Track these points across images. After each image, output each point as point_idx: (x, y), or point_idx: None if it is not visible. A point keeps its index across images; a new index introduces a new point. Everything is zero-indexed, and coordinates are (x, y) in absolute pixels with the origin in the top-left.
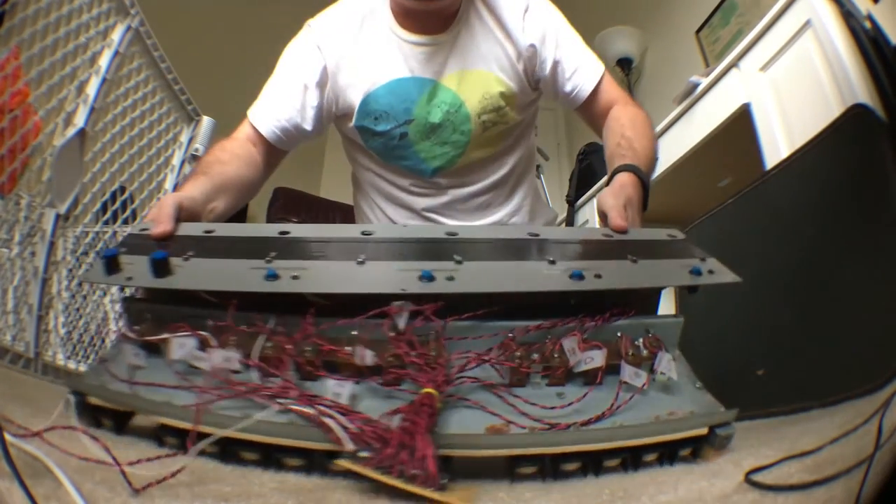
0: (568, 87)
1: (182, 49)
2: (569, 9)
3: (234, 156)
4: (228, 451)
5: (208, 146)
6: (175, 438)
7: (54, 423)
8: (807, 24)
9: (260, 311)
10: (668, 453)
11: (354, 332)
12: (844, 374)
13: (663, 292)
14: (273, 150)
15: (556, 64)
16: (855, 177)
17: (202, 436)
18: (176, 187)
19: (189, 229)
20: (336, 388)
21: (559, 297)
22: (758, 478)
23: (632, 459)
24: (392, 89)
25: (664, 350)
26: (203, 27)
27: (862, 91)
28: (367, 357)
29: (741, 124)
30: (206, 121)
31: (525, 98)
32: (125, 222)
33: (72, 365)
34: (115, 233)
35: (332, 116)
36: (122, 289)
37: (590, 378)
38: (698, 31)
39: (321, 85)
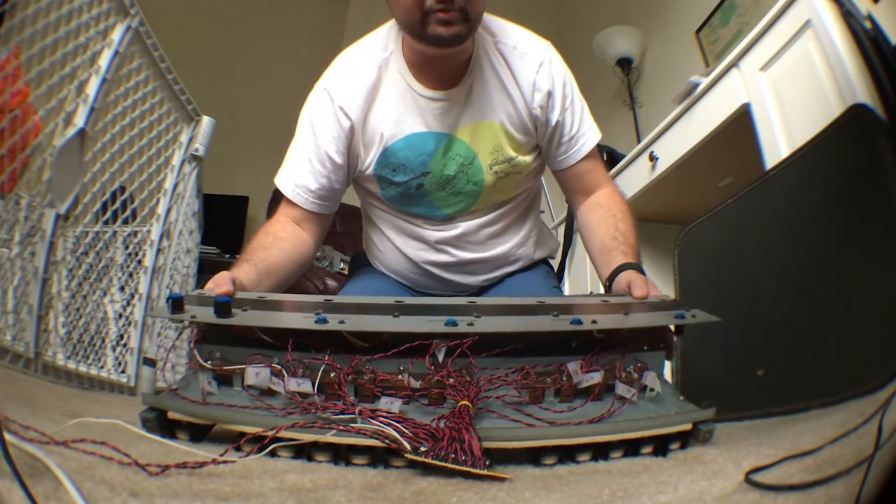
0: (561, 150)
1: (182, 49)
2: (569, 9)
3: (277, 239)
4: (304, 451)
5: (208, 146)
6: (251, 445)
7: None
8: (807, 24)
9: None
10: (661, 447)
11: (402, 368)
12: (844, 374)
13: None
14: (319, 217)
15: (556, 126)
16: (855, 176)
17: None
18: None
19: (244, 295)
20: (388, 405)
21: (564, 340)
22: (758, 478)
23: (632, 451)
24: (409, 143)
25: (649, 369)
26: (203, 27)
27: (862, 91)
28: (413, 382)
29: (741, 124)
30: (206, 121)
31: (534, 145)
32: (125, 222)
33: (72, 365)
34: (114, 233)
35: (356, 168)
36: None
37: (592, 395)
38: (698, 31)
39: (348, 146)
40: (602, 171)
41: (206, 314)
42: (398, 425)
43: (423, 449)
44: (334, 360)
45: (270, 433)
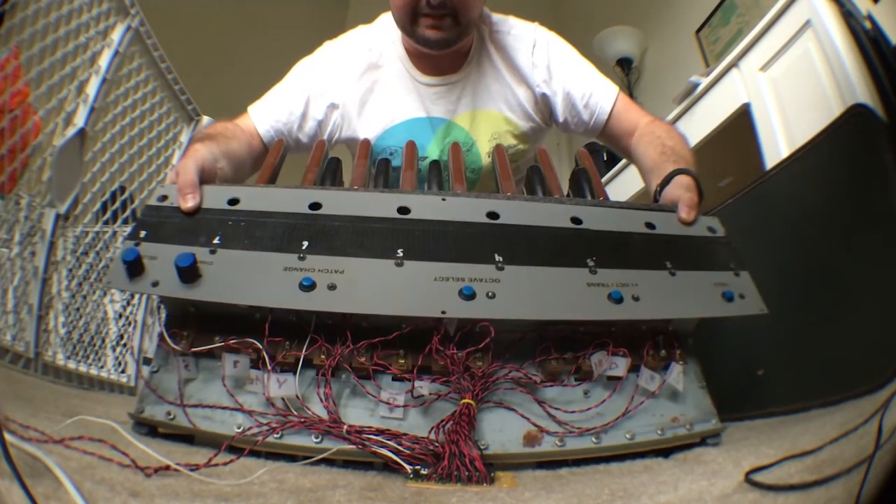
0: (585, 116)
1: (182, 49)
2: (569, 9)
3: (235, 134)
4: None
5: None
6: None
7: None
8: (807, 24)
9: (297, 314)
10: (664, 449)
11: (402, 350)
12: (844, 374)
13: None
14: (264, 150)
15: (567, 96)
16: (855, 177)
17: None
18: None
19: (212, 198)
20: (389, 410)
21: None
22: (758, 478)
23: (636, 455)
24: (407, 128)
25: (676, 361)
26: (203, 27)
27: (862, 91)
28: (419, 387)
29: (741, 124)
30: (206, 121)
31: (536, 134)
32: (125, 222)
33: (72, 365)
34: (114, 232)
35: (335, 138)
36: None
37: (612, 392)
38: (698, 31)
39: (331, 106)
40: (636, 110)
41: (171, 277)
42: (394, 444)
43: (423, 472)
44: (322, 337)
45: (250, 447)
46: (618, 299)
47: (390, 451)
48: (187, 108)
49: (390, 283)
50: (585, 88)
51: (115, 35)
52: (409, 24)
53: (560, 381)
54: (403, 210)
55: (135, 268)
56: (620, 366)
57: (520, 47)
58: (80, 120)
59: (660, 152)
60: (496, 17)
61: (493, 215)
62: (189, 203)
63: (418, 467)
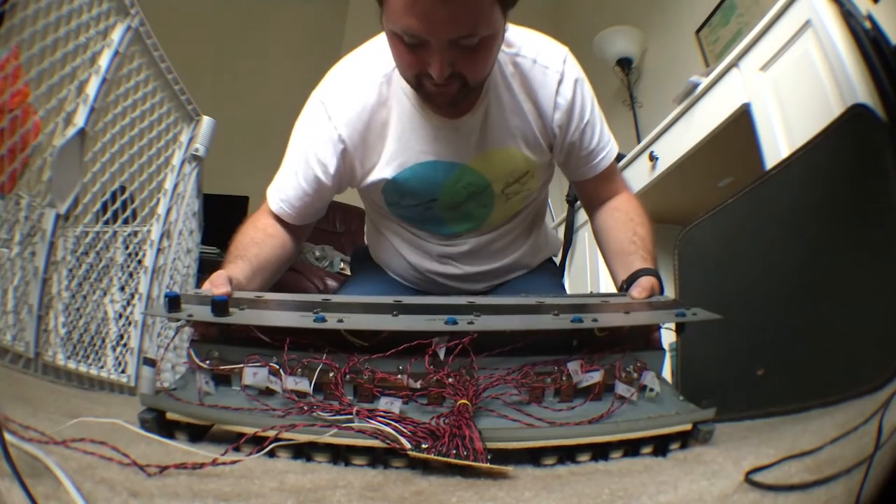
0: (578, 164)
1: (182, 49)
2: (569, 9)
3: (268, 235)
4: (303, 452)
5: (208, 146)
6: (251, 445)
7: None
8: (807, 24)
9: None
10: (661, 447)
11: (401, 367)
12: (844, 374)
13: (663, 331)
14: (302, 227)
15: (573, 144)
16: (855, 176)
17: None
18: (220, 266)
19: (241, 294)
20: (388, 405)
21: (564, 339)
22: (758, 478)
23: (632, 451)
24: (417, 173)
25: (648, 369)
26: (203, 27)
27: (862, 91)
28: (412, 382)
29: (741, 124)
30: (206, 121)
31: (547, 162)
32: (125, 222)
33: (72, 365)
34: (115, 233)
35: (350, 183)
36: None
37: (592, 395)
38: (698, 31)
39: (340, 168)
40: (619, 178)
41: (204, 313)
42: (397, 424)
43: (424, 446)
44: (332, 360)
45: (271, 433)
46: (579, 320)
47: (394, 430)
48: (187, 108)
49: (388, 321)
50: (594, 143)
51: (115, 35)
52: (413, 85)
53: (543, 399)
54: (398, 300)
55: (174, 304)
56: (595, 376)
57: (545, 81)
58: (80, 120)
59: (630, 240)
60: (517, 35)
61: (471, 301)
62: (222, 290)
63: (418, 443)
